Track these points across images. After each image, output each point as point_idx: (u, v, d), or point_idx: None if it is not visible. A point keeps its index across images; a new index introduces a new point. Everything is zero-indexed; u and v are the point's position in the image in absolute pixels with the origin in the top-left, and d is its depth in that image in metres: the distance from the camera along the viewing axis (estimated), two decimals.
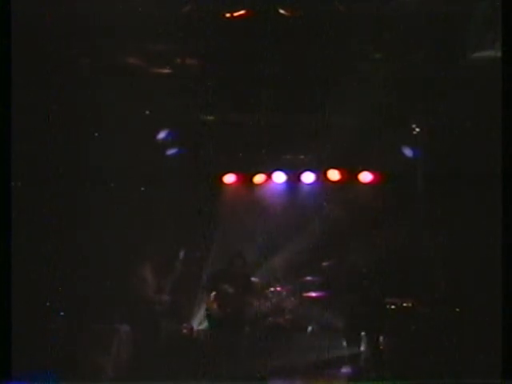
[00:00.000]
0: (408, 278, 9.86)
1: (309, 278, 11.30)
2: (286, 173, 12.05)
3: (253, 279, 10.91)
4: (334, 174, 11.93)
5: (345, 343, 9.98)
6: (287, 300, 11.09)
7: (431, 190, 10.16)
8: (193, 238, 11.18)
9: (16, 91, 6.97)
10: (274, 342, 10.03)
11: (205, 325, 10.54)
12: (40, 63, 8.33)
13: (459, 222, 9.38)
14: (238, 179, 12.14)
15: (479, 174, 8.83)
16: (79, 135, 9.08)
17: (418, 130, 10.66)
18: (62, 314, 8.83)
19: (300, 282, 11.31)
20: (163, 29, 8.34)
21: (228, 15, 8.52)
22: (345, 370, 9.67)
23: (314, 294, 11.05)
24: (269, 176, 12.08)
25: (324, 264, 11.01)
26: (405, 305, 9.84)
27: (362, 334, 9.77)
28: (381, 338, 9.71)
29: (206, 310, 10.48)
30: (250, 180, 12.12)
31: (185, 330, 10.46)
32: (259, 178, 12.13)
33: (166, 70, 9.40)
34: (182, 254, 10.29)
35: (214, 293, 10.43)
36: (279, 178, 12.07)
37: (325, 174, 11.95)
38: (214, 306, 10.32)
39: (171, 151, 11.29)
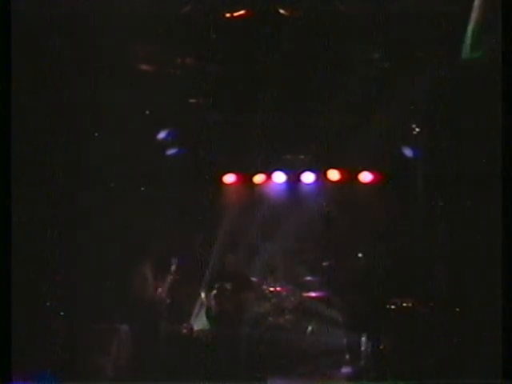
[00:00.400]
0: (408, 278, 9.86)
1: (309, 278, 11.31)
2: (286, 173, 12.05)
3: (249, 277, 10.92)
4: (333, 174, 11.93)
5: (345, 343, 9.99)
6: (287, 300, 11.08)
7: (431, 190, 10.16)
8: (193, 237, 11.19)
9: (16, 91, 6.97)
10: (274, 342, 10.03)
11: (204, 324, 10.54)
12: (40, 63, 8.33)
13: (459, 222, 9.38)
14: (238, 179, 12.14)
15: (479, 173, 8.83)
16: (79, 135, 9.07)
17: (418, 130, 10.65)
18: (62, 313, 8.82)
19: (300, 282, 11.31)
20: (163, 29, 8.34)
21: (228, 15, 8.52)
22: (345, 369, 9.67)
23: (313, 294, 11.05)
24: (269, 176, 12.08)
25: (324, 264, 11.01)
26: (405, 305, 9.83)
27: (362, 333, 9.77)
28: (381, 338, 9.71)
29: (206, 309, 10.50)
30: (250, 180, 12.12)
31: (185, 330, 10.46)
32: (259, 178, 12.13)
33: (166, 70, 9.40)
34: (180, 256, 10.28)
35: (213, 291, 10.45)
36: (279, 177, 12.07)
37: (325, 174, 11.96)
38: (212, 304, 10.33)
39: (171, 151, 11.29)
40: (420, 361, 8.76)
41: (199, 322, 10.64)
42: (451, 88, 9.01)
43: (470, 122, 8.96)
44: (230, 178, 12.11)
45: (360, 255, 10.31)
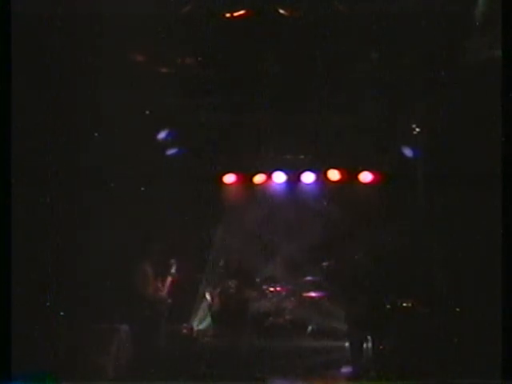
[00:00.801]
0: (408, 278, 9.86)
1: (309, 278, 11.32)
2: (286, 173, 12.06)
3: (252, 276, 10.94)
4: (333, 174, 11.94)
5: (344, 343, 9.99)
6: (287, 300, 11.10)
7: (431, 190, 10.16)
8: (193, 237, 11.20)
9: (16, 91, 6.98)
10: (274, 342, 10.04)
11: (207, 323, 10.56)
12: (40, 63, 8.33)
13: (459, 222, 9.38)
14: (238, 179, 12.16)
15: (479, 174, 8.83)
16: (79, 135, 9.07)
17: (418, 130, 10.66)
18: (62, 314, 8.82)
19: (300, 282, 11.32)
20: (163, 29, 8.34)
21: (228, 15, 8.52)
22: (345, 369, 9.67)
23: (313, 294, 11.06)
24: (269, 176, 12.10)
25: (324, 264, 11.02)
26: (405, 305, 9.84)
27: (362, 333, 9.76)
28: (381, 338, 9.71)
29: (208, 307, 10.52)
30: (250, 180, 12.13)
31: (185, 330, 10.47)
32: (259, 178, 12.15)
33: (166, 70, 9.40)
34: (180, 256, 10.28)
35: (215, 290, 10.46)
36: (279, 177, 12.08)
37: (325, 174, 11.97)
38: (215, 303, 10.35)
39: (171, 151, 11.30)
40: (420, 361, 8.76)
41: (200, 322, 10.65)
42: (451, 88, 9.01)
43: (470, 122, 8.96)
44: (230, 178, 12.12)
45: (360, 255, 10.30)
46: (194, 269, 10.99)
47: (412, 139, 10.83)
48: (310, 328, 10.66)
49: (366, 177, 11.92)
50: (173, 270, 10.09)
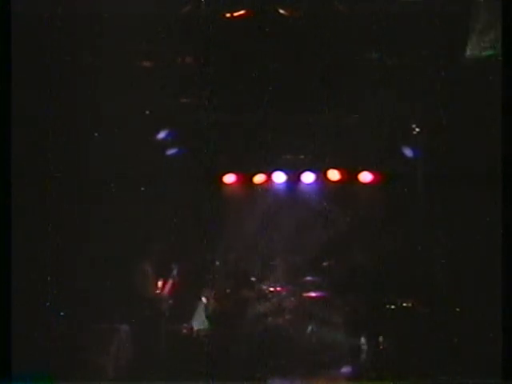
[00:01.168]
0: (408, 278, 9.86)
1: (309, 278, 11.30)
2: (286, 173, 12.05)
3: (249, 276, 10.92)
4: (333, 174, 11.94)
5: (345, 343, 9.98)
6: (287, 300, 11.08)
7: (431, 190, 10.15)
8: (193, 237, 11.18)
9: (16, 91, 6.97)
10: (274, 342, 10.03)
11: (204, 324, 10.54)
12: (40, 63, 8.32)
13: (459, 222, 9.37)
14: (238, 179, 12.15)
15: (479, 174, 8.83)
16: (79, 135, 9.07)
17: (417, 130, 10.65)
18: (62, 314, 8.82)
19: (300, 281, 11.30)
20: (163, 29, 8.34)
21: (228, 15, 8.51)
22: (345, 370, 9.66)
23: (313, 294, 11.04)
24: (269, 176, 12.09)
25: (324, 264, 11.01)
26: (405, 305, 9.83)
27: (362, 333, 9.77)
28: (381, 338, 9.71)
29: (205, 309, 10.50)
30: (250, 180, 12.12)
31: (185, 330, 10.46)
32: (259, 178, 12.14)
33: (166, 70, 9.39)
34: (180, 256, 10.28)
35: (214, 290, 10.45)
36: (279, 177, 12.07)
37: (325, 174, 11.96)
38: (215, 303, 10.34)
39: (171, 151, 11.29)
40: (420, 361, 8.76)
41: (199, 322, 10.64)
42: (451, 88, 9.01)
43: (470, 122, 8.96)
44: (230, 178, 12.11)
45: (360, 255, 10.30)
46: (194, 269, 10.98)
47: (412, 139, 10.83)
48: (309, 328, 10.64)
49: (365, 177, 11.91)
50: (173, 270, 10.09)
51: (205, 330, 10.45)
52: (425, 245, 10.28)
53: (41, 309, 8.45)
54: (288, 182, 12.11)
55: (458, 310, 9.28)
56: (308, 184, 12.09)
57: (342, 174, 11.91)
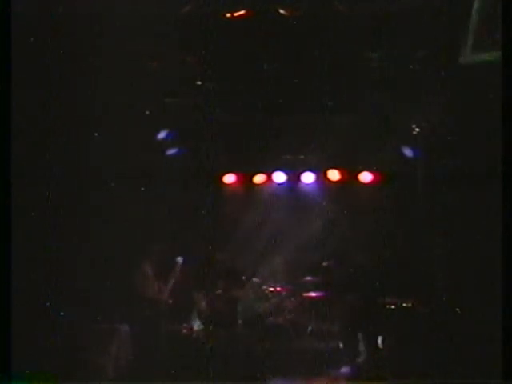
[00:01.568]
0: (408, 278, 9.86)
1: (309, 277, 11.31)
2: (286, 173, 12.07)
3: (250, 276, 10.93)
4: (333, 174, 11.95)
5: (344, 343, 9.99)
6: (287, 300, 11.09)
7: (431, 190, 10.16)
8: (193, 237, 11.19)
9: (16, 91, 6.97)
10: (274, 342, 10.03)
11: (206, 323, 10.55)
12: (40, 63, 8.32)
13: (459, 222, 9.38)
14: (238, 179, 12.16)
15: (479, 174, 8.83)
16: (79, 135, 9.07)
17: (417, 130, 10.66)
18: (61, 314, 8.82)
19: (300, 281, 11.31)
20: (163, 29, 8.34)
21: (228, 15, 8.51)
22: (344, 369, 9.67)
23: (313, 294, 11.05)
24: (269, 176, 12.10)
25: (324, 264, 11.01)
26: (405, 305, 9.84)
27: (362, 333, 9.77)
28: (380, 338, 9.71)
29: (208, 308, 10.51)
30: (250, 180, 12.14)
31: (185, 330, 10.46)
32: (259, 178, 12.15)
33: (166, 70, 9.39)
34: (180, 258, 10.27)
35: (214, 290, 10.45)
36: (279, 177, 12.09)
37: (325, 174, 11.97)
38: (215, 303, 10.34)
39: (171, 151, 11.30)
40: (420, 361, 8.76)
41: (199, 322, 10.64)
42: (451, 87, 9.01)
43: (470, 122, 8.96)
44: (229, 178, 12.13)
45: (360, 255, 10.30)
46: (194, 268, 10.98)
47: (412, 139, 10.84)
48: (309, 328, 10.65)
49: (365, 177, 11.93)
50: (173, 270, 10.09)
51: (205, 329, 10.46)
52: (425, 245, 10.29)
53: (41, 309, 8.45)
54: (288, 181, 12.12)
55: (458, 309, 9.28)
56: (308, 184, 12.10)
57: (341, 173, 11.92)
